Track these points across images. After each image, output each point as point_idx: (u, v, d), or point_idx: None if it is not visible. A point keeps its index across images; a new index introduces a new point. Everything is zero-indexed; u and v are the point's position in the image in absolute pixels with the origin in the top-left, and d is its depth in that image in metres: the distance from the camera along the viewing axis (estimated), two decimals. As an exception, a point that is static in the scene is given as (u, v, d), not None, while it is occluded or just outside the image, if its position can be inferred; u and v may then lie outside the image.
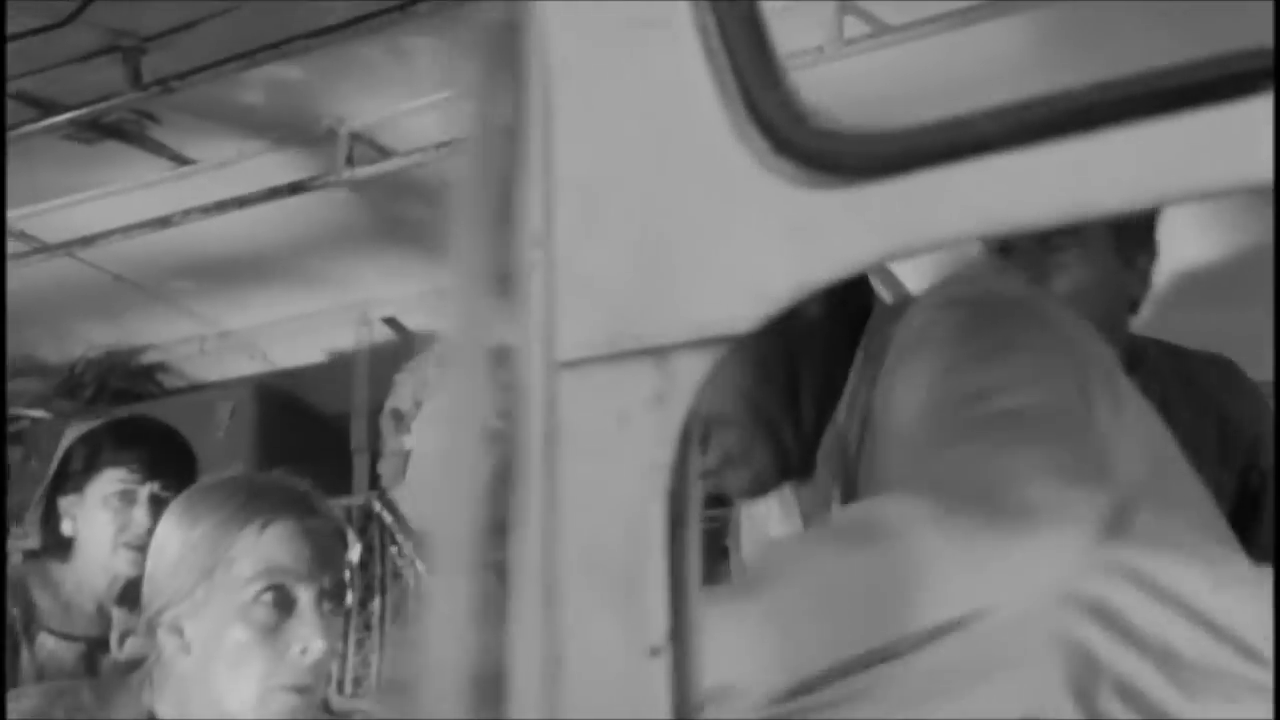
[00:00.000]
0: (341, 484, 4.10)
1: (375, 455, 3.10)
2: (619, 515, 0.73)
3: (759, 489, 1.63)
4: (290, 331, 4.45)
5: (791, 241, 0.72)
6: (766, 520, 1.74)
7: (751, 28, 0.75)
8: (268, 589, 1.93)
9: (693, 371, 0.73)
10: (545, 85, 0.79)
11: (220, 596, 1.93)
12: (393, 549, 2.67)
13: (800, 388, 1.56)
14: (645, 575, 0.72)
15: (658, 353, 0.73)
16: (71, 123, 3.35)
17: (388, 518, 2.62)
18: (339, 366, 4.41)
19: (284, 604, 1.93)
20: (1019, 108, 0.69)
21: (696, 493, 0.75)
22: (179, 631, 1.96)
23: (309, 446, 4.02)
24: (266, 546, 1.95)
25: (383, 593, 2.65)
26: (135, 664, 2.04)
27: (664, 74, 0.76)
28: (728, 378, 1.50)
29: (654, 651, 0.71)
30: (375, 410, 3.79)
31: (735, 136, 0.74)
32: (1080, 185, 0.67)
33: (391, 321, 4.31)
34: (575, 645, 0.73)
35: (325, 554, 1.98)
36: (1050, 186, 0.67)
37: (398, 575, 2.66)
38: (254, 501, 1.99)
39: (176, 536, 1.99)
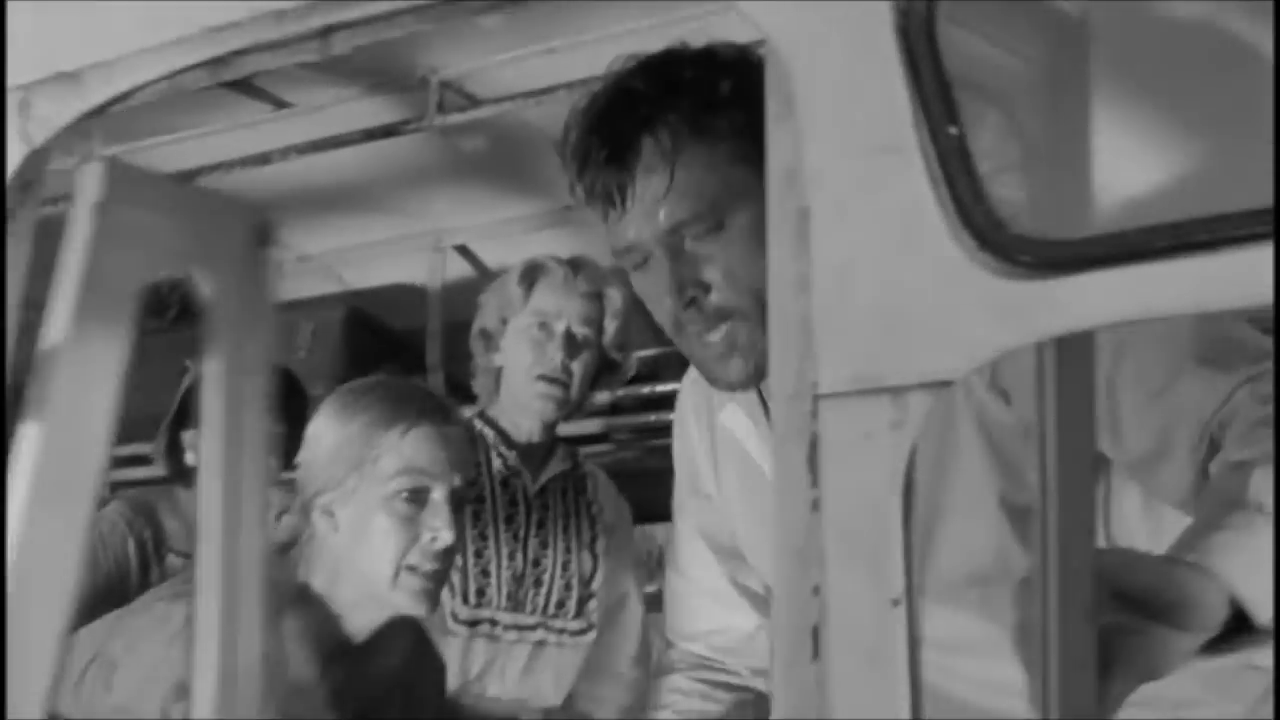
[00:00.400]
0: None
1: (449, 374, 3.33)
2: (867, 505, 1.04)
3: (750, 382, 1.82)
4: (367, 257, 4.72)
5: (992, 316, 1.02)
6: (744, 438, 1.98)
7: (963, 155, 1.05)
8: (406, 485, 2.26)
9: (921, 405, 1.03)
10: (800, 189, 1.09)
11: (366, 487, 2.26)
12: (496, 461, 2.87)
13: None
14: (888, 549, 1.03)
15: (895, 391, 1.04)
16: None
17: (489, 433, 2.83)
18: (413, 291, 4.68)
19: (419, 499, 2.27)
20: (1148, 230, 0.99)
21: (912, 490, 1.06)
22: (330, 514, 2.29)
23: (386, 365, 4.29)
24: (408, 448, 2.27)
25: (493, 503, 2.87)
26: (290, 542, 2.35)
27: (898, 186, 1.05)
28: (744, 275, 1.73)
29: (895, 602, 1.02)
30: (449, 331, 4.06)
31: (951, 236, 1.04)
32: (1200, 287, 0.97)
33: (463, 249, 4.58)
34: (835, 599, 1.04)
35: (458, 457, 2.30)
36: (1178, 286, 0.98)
37: (505, 485, 2.88)
38: (399, 406, 2.32)
39: (332, 431, 2.32)
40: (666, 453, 2.22)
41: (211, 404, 1.91)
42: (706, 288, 1.73)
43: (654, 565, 3.45)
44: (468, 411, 2.86)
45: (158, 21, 1.43)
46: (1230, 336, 1.61)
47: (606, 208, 1.76)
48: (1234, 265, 0.95)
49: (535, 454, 2.83)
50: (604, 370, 2.77)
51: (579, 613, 2.69)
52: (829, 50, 1.10)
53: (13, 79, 1.49)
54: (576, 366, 2.66)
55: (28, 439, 1.61)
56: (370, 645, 2.32)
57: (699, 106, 1.71)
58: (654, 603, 2.66)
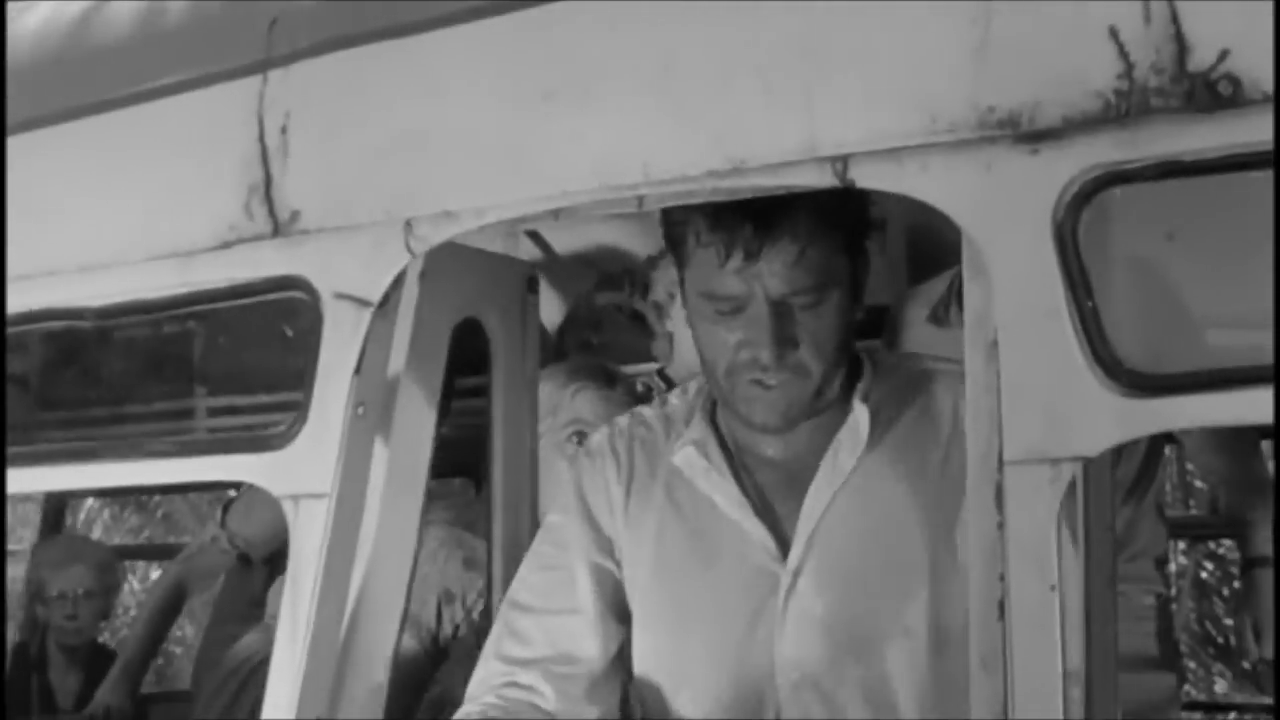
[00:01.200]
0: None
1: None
2: (1046, 539, 1.70)
3: (783, 427, 2.10)
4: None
5: (1116, 424, 1.68)
6: (695, 475, 2.17)
7: (1095, 317, 1.69)
8: (572, 430, 2.95)
9: (1069, 470, 1.69)
10: (990, 327, 1.74)
11: (548, 434, 2.93)
12: None
13: None
14: (1047, 552, 1.70)
15: (1053, 460, 1.70)
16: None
17: (662, 386, 3.39)
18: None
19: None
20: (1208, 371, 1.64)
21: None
22: None
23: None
24: (576, 406, 2.97)
25: None
26: None
27: (1056, 334, 1.71)
28: (825, 342, 2.04)
29: (1052, 588, 1.69)
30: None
31: (1087, 366, 1.69)
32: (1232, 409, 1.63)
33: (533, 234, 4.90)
34: (1013, 584, 1.71)
35: (617, 411, 2.98)
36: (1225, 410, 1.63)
37: None
38: (573, 374, 3.01)
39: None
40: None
41: (497, 411, 2.58)
42: (796, 345, 2.03)
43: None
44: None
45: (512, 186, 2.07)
46: None
47: (731, 254, 1.97)
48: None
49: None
50: None
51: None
52: (1007, 234, 1.76)
53: (406, 212, 2.13)
54: None
55: (379, 447, 2.27)
56: None
57: (826, 204, 1.98)
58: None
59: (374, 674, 2.26)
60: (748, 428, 2.12)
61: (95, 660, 5.08)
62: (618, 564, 2.20)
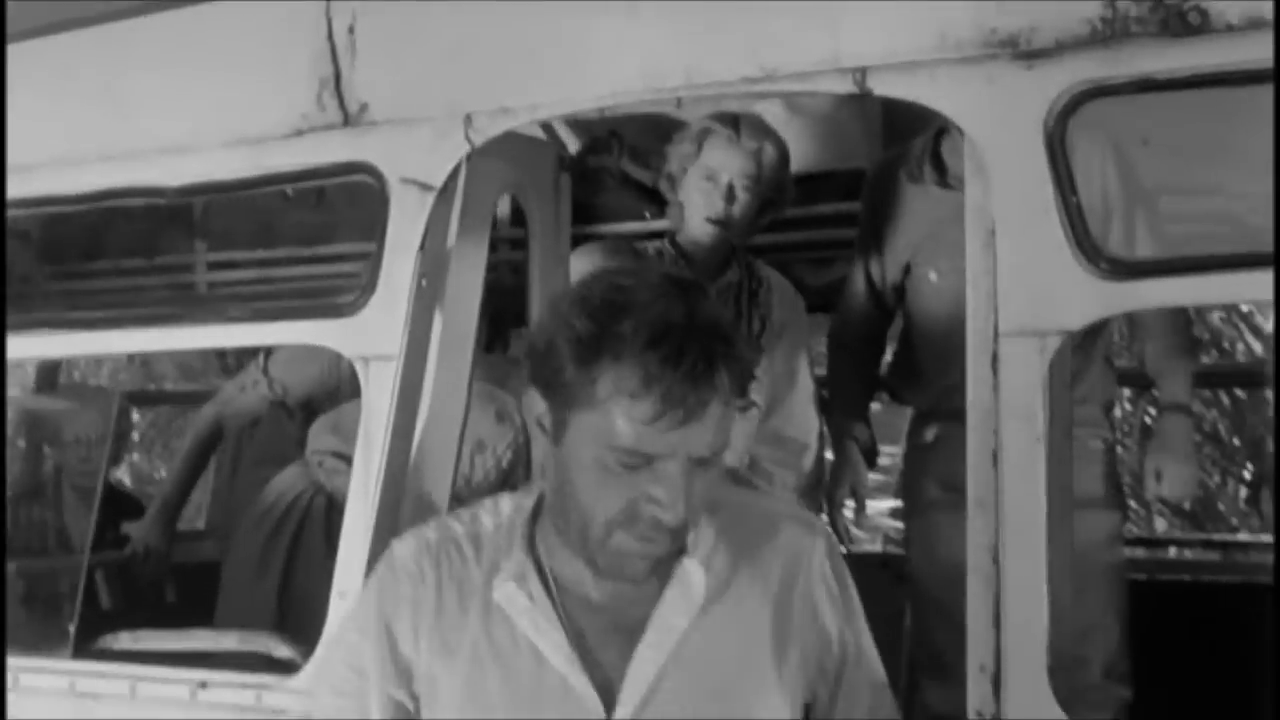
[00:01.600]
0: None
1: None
2: (1035, 399, 2.02)
3: (640, 580, 1.88)
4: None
5: (1096, 303, 1.99)
6: (518, 614, 1.92)
7: (1079, 210, 2.00)
8: None
9: (1055, 342, 2.00)
10: (989, 217, 2.04)
11: None
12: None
13: None
14: (1034, 401, 2.02)
15: (1040, 334, 2.01)
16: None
17: (671, 252, 3.61)
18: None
19: None
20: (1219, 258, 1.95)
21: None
22: None
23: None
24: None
25: None
26: None
27: (1045, 225, 2.01)
28: (699, 504, 1.85)
29: (1037, 440, 2.02)
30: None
31: (1071, 253, 2.00)
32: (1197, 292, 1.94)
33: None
34: (1006, 425, 2.04)
35: None
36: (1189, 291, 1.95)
37: None
38: (609, 256, 3.25)
39: None
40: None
41: (534, 277, 2.88)
42: (694, 509, 1.84)
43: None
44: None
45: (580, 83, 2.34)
46: None
47: (666, 414, 1.74)
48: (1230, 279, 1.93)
49: (709, 267, 3.56)
50: (765, 206, 3.57)
51: (742, 393, 3.53)
52: (1004, 138, 2.05)
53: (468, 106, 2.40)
54: (736, 210, 3.49)
55: (437, 317, 2.56)
56: None
57: (748, 368, 1.85)
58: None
59: (434, 511, 2.57)
60: (589, 572, 1.90)
61: (110, 500, 5.34)
62: (415, 698, 1.98)
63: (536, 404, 1.83)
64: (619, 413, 1.75)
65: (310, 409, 3.76)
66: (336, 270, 3.50)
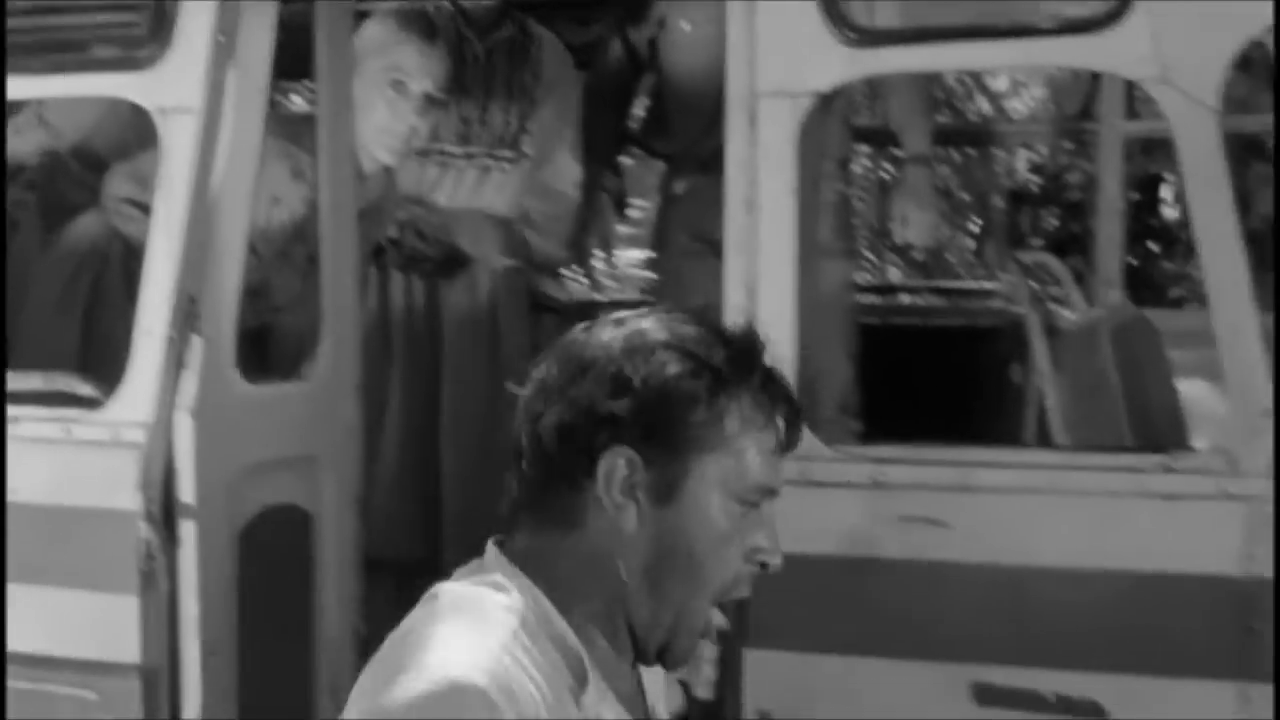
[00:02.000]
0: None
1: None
2: (788, 153, 2.28)
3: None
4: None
5: (843, 67, 2.25)
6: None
7: (830, -15, 2.24)
8: (392, 81, 3.36)
9: (803, 104, 2.26)
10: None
11: (367, 74, 3.26)
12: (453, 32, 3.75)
13: None
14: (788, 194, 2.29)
15: (793, 95, 2.27)
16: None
17: (448, 6, 3.71)
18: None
19: (400, 89, 3.34)
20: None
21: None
22: None
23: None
24: (398, 54, 3.33)
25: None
26: None
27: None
28: None
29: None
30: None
31: (822, 22, 2.25)
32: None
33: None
34: (767, 212, 2.30)
35: (435, 66, 3.35)
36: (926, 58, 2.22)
37: (459, 49, 3.74)
38: (401, 24, 3.36)
39: None
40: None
41: (321, 50, 2.98)
42: None
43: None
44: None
45: None
46: None
47: (790, 438, 1.56)
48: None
49: (484, 24, 3.67)
50: None
51: (514, 144, 3.73)
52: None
53: None
54: None
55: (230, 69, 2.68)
56: None
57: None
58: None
59: (233, 256, 2.74)
60: (622, 662, 1.57)
61: None
62: None
63: (620, 469, 1.49)
64: (750, 445, 1.53)
65: (85, 158, 3.78)
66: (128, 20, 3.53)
